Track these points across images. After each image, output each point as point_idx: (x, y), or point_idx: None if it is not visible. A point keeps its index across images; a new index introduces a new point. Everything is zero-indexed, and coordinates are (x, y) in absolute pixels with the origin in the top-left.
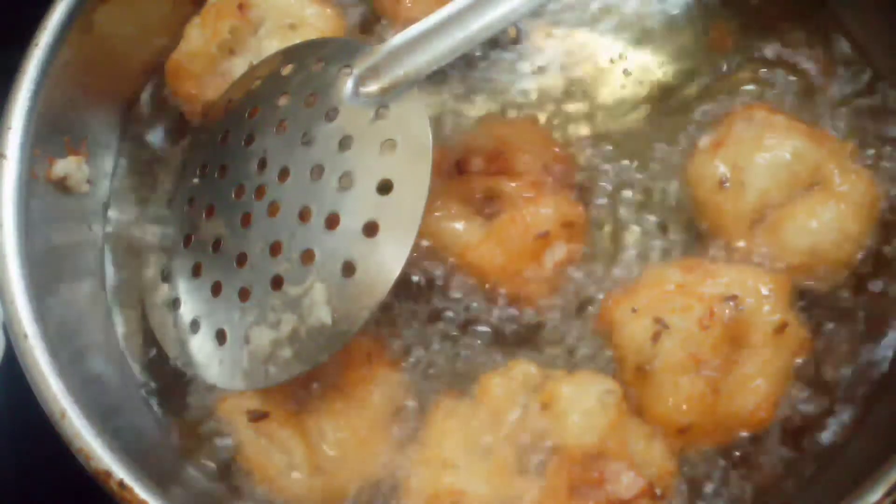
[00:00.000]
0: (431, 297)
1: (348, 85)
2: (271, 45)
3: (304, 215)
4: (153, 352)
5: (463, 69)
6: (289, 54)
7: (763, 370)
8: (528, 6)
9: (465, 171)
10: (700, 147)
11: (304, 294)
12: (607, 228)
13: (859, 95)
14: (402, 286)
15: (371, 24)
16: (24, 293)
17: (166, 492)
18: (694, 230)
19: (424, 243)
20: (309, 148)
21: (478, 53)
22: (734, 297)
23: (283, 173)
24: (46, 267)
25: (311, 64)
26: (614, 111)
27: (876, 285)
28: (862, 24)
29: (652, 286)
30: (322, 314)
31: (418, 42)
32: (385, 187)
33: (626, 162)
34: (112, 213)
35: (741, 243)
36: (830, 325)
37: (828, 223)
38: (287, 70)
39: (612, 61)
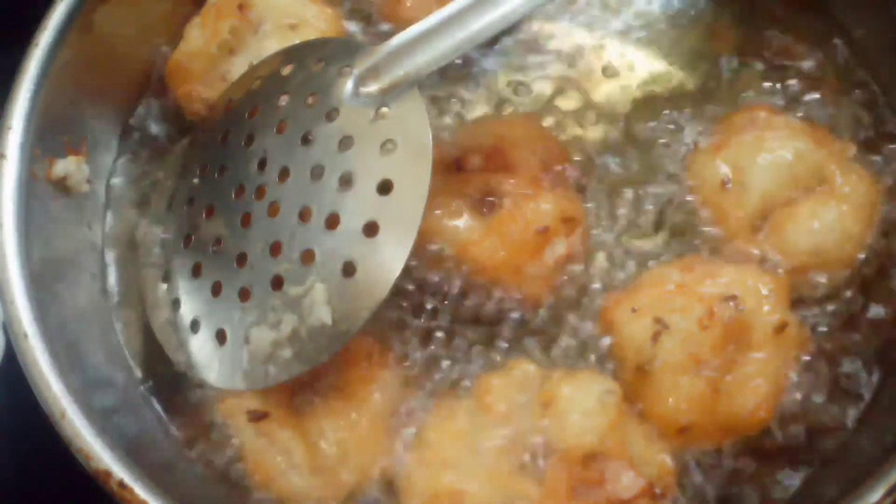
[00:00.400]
0: (431, 296)
1: (348, 85)
2: (271, 45)
3: (304, 215)
4: (153, 352)
5: (461, 67)
6: (289, 54)
7: (763, 370)
8: (528, 6)
9: (463, 168)
10: (701, 148)
11: (304, 294)
12: (607, 228)
13: (860, 96)
14: (402, 286)
15: (371, 24)
16: (24, 293)
17: (166, 492)
18: (694, 230)
19: (424, 242)
20: (309, 148)
21: (477, 52)
22: (734, 297)
23: (284, 173)
24: (46, 267)
25: (311, 64)
26: (614, 111)
27: (877, 285)
28: (862, 24)
29: (652, 286)
30: (322, 314)
31: (418, 42)
32: (385, 187)
33: (626, 162)
34: (112, 214)
35: (742, 244)
36: (831, 326)
37: (829, 224)
38: (287, 70)
39: (612, 61)
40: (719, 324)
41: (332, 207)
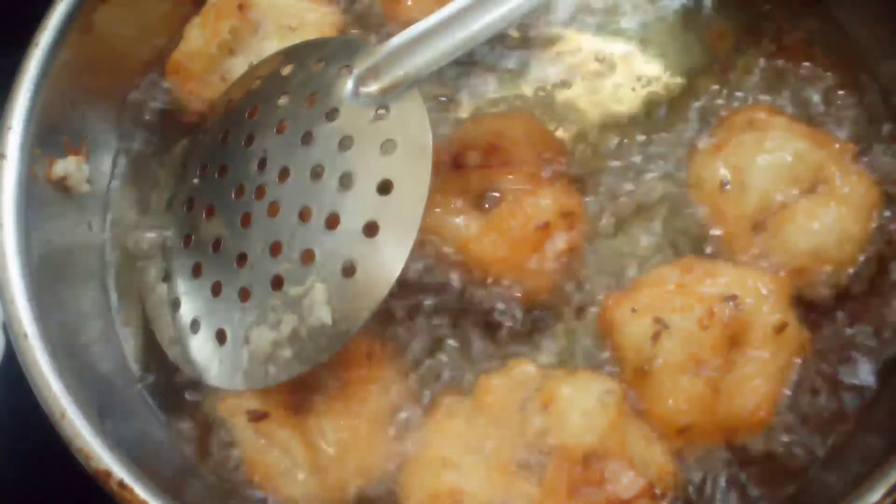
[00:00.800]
0: (431, 296)
1: (348, 85)
2: (271, 45)
3: (304, 215)
4: (153, 352)
5: (459, 65)
6: (289, 54)
7: (763, 370)
8: (528, 6)
9: (461, 165)
10: (701, 148)
11: (304, 294)
12: (606, 228)
13: (859, 96)
14: (403, 285)
15: (371, 24)
16: (24, 293)
17: (166, 491)
18: (694, 231)
19: (424, 240)
20: (309, 148)
21: (476, 51)
22: (734, 297)
23: (284, 173)
24: (46, 267)
25: (311, 64)
26: (613, 109)
27: (877, 286)
28: (861, 24)
29: (652, 286)
30: (322, 314)
31: (418, 42)
32: (385, 187)
33: (626, 162)
34: (112, 213)
35: (742, 244)
36: (831, 326)
37: (829, 225)
38: (287, 70)
39: (612, 60)
40: (719, 324)
41: (332, 207)
